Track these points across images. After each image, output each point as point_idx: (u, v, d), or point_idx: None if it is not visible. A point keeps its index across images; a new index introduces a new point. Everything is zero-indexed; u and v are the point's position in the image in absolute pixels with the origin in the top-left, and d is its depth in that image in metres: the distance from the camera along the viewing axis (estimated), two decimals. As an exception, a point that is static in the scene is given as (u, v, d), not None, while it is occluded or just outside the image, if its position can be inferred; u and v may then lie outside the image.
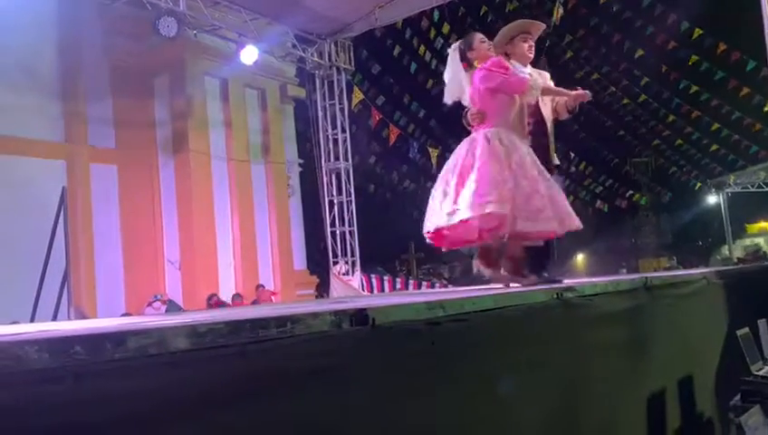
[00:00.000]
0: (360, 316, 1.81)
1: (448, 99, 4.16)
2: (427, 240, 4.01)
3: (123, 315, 9.29)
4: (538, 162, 3.81)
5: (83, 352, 1.28)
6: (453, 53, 4.10)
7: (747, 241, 26.32)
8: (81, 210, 10.09)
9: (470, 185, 3.67)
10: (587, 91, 4.23)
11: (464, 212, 3.64)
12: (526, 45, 4.24)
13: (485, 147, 3.77)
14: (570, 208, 3.86)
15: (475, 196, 3.61)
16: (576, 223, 3.81)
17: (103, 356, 1.30)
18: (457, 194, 3.72)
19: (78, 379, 1.23)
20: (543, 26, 4.38)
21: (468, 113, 4.04)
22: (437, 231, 3.88)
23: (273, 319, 1.65)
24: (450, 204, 3.74)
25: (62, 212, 6.63)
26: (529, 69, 4.21)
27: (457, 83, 4.10)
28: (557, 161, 4.48)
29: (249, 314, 1.92)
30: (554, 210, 3.71)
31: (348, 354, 1.72)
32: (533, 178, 3.71)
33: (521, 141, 3.86)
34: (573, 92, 4.17)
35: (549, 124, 4.37)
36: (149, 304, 10.19)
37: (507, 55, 4.15)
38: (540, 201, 3.67)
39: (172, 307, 9.86)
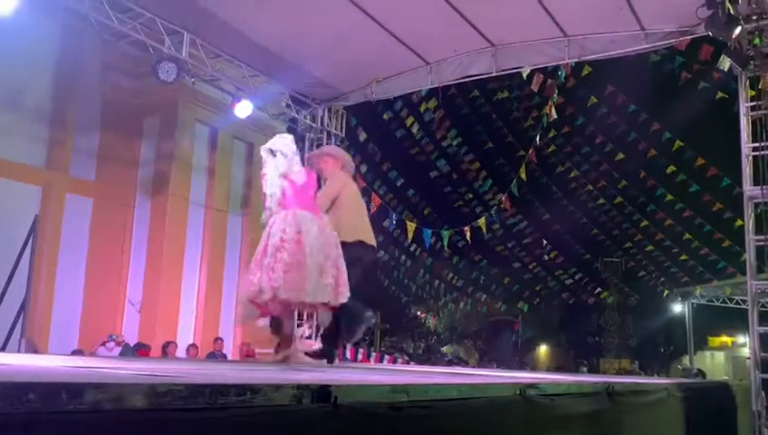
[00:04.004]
0: (323, 393, 1.78)
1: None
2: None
3: (74, 352, 9.00)
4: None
5: (37, 401, 1.24)
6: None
7: (708, 353, 26.57)
8: (50, 240, 9.90)
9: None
10: None
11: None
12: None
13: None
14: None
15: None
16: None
17: (57, 407, 1.26)
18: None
19: (27, 428, 1.19)
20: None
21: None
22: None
23: (234, 387, 1.61)
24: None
25: (30, 241, 6.51)
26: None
27: None
28: (354, 237, 5.19)
29: (210, 378, 1.88)
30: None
31: (305, 431, 1.69)
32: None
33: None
34: None
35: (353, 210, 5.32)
36: (103, 344, 9.90)
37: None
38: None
39: (127, 351, 9.59)
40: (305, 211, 4.67)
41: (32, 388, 1.25)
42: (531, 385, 2.84)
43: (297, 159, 4.90)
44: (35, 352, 7.57)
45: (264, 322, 4.86)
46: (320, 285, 4.52)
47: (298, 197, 4.73)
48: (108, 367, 2.71)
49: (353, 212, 5.38)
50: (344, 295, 4.68)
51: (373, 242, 5.47)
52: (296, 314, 4.82)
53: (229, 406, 1.55)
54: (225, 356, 10.94)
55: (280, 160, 4.79)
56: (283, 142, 4.90)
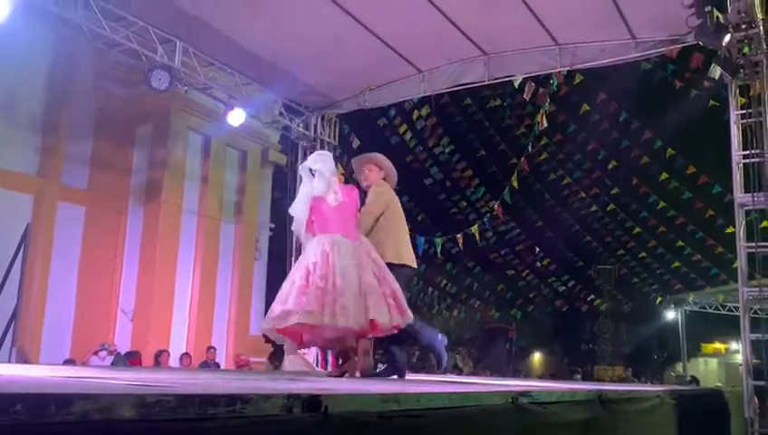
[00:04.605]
0: (313, 403, 1.77)
1: None
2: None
3: (66, 362, 8.95)
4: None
5: (24, 412, 1.24)
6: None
7: (701, 360, 26.60)
8: (42, 249, 9.86)
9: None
10: None
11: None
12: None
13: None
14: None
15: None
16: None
17: (45, 418, 1.26)
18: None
19: (14, 440, 1.18)
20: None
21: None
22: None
23: (224, 397, 1.61)
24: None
25: (22, 249, 6.48)
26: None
27: None
28: (399, 260, 4.94)
29: (200, 388, 1.87)
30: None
31: (296, 441, 1.68)
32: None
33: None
34: None
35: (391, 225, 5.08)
36: (95, 353, 9.86)
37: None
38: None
39: (119, 360, 9.54)
40: (339, 235, 4.46)
41: (19, 399, 1.24)
42: (523, 393, 2.84)
43: (335, 178, 4.72)
44: (26, 361, 7.53)
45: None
46: (372, 307, 4.29)
47: (335, 219, 4.54)
48: (98, 377, 2.70)
49: (398, 232, 5.14)
50: (409, 315, 4.50)
51: (415, 264, 5.22)
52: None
53: (219, 416, 1.54)
54: (218, 365, 10.91)
55: (318, 183, 4.60)
56: (322, 160, 4.73)
